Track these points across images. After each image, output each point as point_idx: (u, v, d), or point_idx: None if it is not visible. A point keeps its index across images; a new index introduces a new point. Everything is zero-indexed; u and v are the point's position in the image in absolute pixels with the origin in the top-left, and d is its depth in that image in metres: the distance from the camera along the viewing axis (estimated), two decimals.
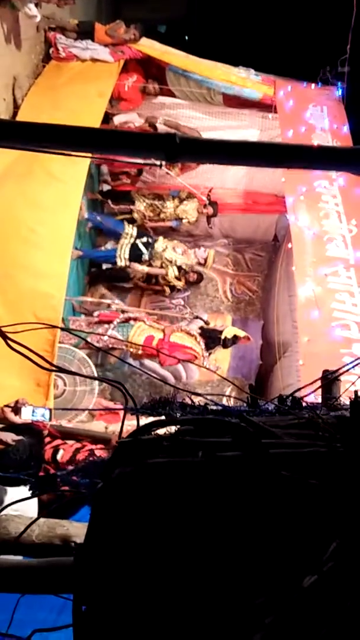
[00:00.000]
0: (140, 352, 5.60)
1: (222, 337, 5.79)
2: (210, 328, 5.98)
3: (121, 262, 6.51)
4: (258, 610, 0.79)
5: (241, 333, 5.91)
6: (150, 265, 6.58)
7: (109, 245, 6.68)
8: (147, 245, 6.55)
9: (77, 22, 6.67)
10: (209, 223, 7.08)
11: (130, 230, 6.60)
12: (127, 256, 6.50)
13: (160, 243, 6.58)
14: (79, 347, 5.32)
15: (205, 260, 6.65)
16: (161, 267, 6.59)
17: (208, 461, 0.93)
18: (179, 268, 6.59)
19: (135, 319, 5.86)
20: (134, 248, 6.52)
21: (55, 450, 3.66)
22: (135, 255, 6.52)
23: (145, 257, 6.52)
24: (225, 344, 5.83)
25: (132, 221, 6.86)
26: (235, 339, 5.85)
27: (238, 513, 0.89)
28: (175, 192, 6.97)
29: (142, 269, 6.58)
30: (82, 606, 0.95)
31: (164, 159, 1.58)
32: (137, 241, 6.54)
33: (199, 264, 6.67)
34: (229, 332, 5.88)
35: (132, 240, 6.55)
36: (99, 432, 4.18)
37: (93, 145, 1.69)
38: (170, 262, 6.55)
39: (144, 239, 6.57)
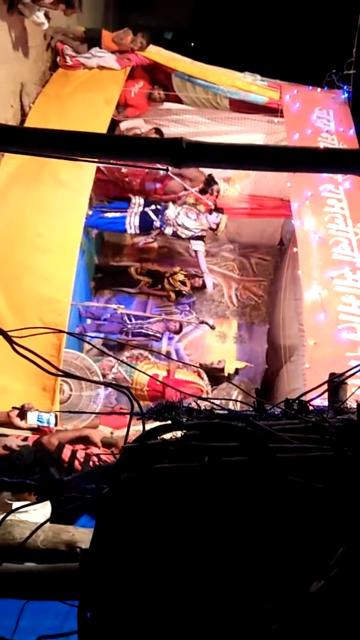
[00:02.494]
0: (144, 394, 5.61)
1: (226, 374, 5.86)
2: (211, 367, 6.02)
3: (131, 230, 6.35)
4: (265, 616, 0.78)
5: (241, 364, 6.08)
6: (162, 232, 6.44)
7: (117, 213, 6.38)
8: (157, 212, 6.39)
9: (84, 30, 6.71)
10: (215, 230, 7.07)
11: (138, 200, 6.43)
12: (137, 224, 6.32)
13: (172, 209, 6.42)
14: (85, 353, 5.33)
15: (218, 225, 6.54)
16: (174, 234, 6.46)
17: (214, 466, 0.92)
18: (192, 237, 6.53)
19: (137, 359, 5.90)
20: (143, 215, 6.35)
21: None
22: (145, 222, 6.33)
23: (157, 223, 6.35)
24: (230, 378, 5.94)
25: None
26: (236, 370, 6.00)
27: (244, 518, 0.88)
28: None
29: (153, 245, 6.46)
30: (87, 612, 0.94)
31: (170, 163, 1.58)
32: (147, 209, 6.38)
33: (211, 229, 6.60)
34: (229, 366, 6.00)
35: (140, 209, 6.38)
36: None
37: (100, 150, 1.70)
38: (184, 227, 6.41)
39: (153, 207, 6.42)
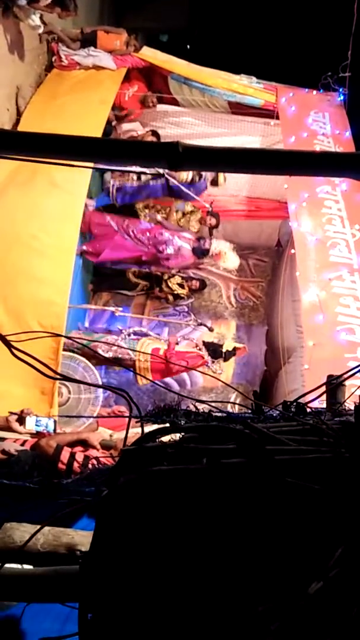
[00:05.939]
0: (148, 366, 5.61)
1: (224, 350, 5.88)
2: (211, 342, 6.07)
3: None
4: (264, 617, 0.79)
5: (239, 345, 6.09)
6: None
7: None
8: None
9: (80, 29, 6.71)
10: (211, 234, 7.08)
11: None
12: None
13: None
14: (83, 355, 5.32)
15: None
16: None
17: (212, 468, 0.93)
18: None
19: (138, 339, 5.93)
20: None
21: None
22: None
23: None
24: (226, 357, 5.95)
25: None
26: (234, 350, 5.97)
27: (243, 520, 0.88)
28: (181, 206, 6.99)
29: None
30: (87, 615, 0.94)
31: (167, 167, 1.58)
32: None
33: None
34: (228, 345, 6.03)
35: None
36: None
37: (96, 154, 1.70)
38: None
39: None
